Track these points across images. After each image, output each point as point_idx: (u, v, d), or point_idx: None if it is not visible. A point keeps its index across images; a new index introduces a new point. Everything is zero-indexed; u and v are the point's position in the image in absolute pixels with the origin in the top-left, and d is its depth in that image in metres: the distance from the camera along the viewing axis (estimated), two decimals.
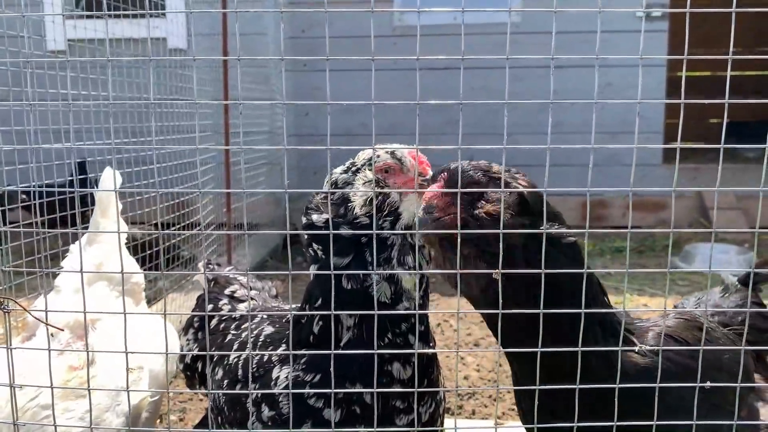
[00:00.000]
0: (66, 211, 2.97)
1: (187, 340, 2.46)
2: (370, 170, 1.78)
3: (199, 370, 2.37)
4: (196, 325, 2.45)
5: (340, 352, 1.65)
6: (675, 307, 2.31)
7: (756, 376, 1.95)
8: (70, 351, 1.96)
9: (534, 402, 1.49)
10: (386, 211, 1.73)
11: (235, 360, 1.95)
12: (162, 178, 3.93)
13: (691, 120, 12.07)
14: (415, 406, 1.74)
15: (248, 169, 5.83)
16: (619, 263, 6.64)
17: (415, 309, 1.71)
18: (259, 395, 1.76)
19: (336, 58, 1.21)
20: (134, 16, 4.04)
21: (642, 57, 1.27)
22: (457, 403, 3.47)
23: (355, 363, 1.68)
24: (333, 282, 1.58)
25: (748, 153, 9.04)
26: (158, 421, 2.79)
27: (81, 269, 1.32)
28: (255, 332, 1.99)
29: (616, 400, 1.48)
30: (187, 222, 4.41)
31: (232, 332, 2.18)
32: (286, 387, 1.73)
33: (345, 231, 1.71)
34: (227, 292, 2.45)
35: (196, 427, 2.38)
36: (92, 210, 2.64)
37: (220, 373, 2.00)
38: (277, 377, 1.78)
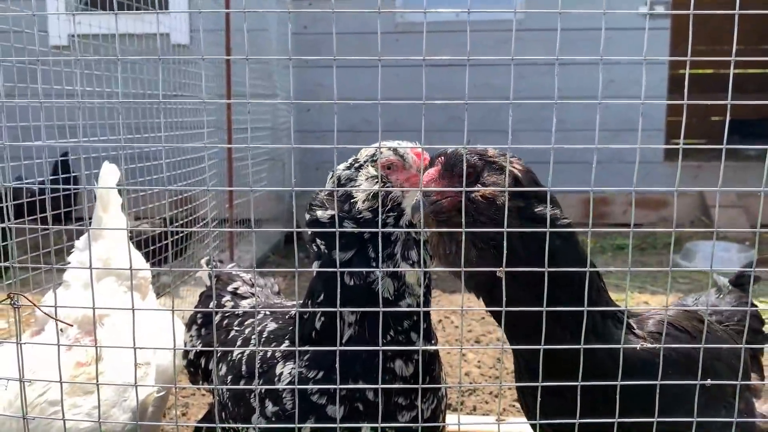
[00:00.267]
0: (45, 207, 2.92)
1: (190, 336, 2.48)
2: (372, 167, 1.80)
3: (203, 365, 2.39)
4: (199, 321, 2.46)
5: (344, 348, 1.66)
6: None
7: (752, 375, 1.99)
8: (78, 347, 1.98)
9: (538, 377, 1.51)
10: (389, 207, 1.75)
11: (239, 356, 1.97)
12: (165, 174, 3.94)
13: (693, 118, 12.06)
14: (419, 403, 1.75)
15: (251, 165, 5.84)
16: (620, 260, 6.65)
17: (417, 306, 1.72)
18: (263, 391, 1.78)
19: (343, 58, 1.23)
20: (138, 11, 4.06)
21: (645, 59, 1.28)
22: (458, 399, 3.49)
23: (357, 360, 1.70)
24: (339, 278, 1.59)
25: (750, 151, 9.04)
26: (162, 415, 2.81)
27: (90, 266, 1.33)
28: (258, 328, 2.01)
29: (618, 385, 1.50)
30: (190, 218, 4.43)
31: (236, 328, 2.19)
32: (290, 383, 1.75)
33: (349, 228, 1.72)
34: (230, 288, 2.46)
35: (200, 421, 2.39)
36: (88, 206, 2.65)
37: (224, 368, 2.01)
38: (281, 373, 1.79)
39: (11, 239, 1.45)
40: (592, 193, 1.62)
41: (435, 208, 1.59)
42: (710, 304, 2.17)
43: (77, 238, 2.58)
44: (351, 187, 1.79)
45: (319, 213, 1.80)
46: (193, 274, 4.32)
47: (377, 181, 1.75)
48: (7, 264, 1.46)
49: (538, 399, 1.56)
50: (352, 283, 1.72)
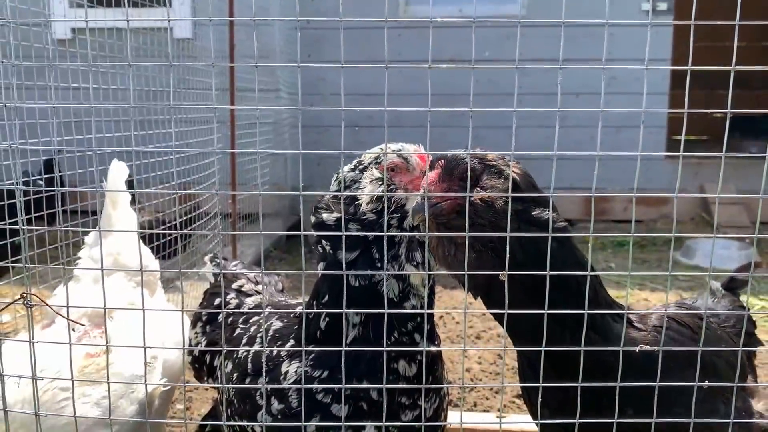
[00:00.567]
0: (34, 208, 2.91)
1: (195, 333, 2.51)
2: (376, 168, 1.83)
3: (207, 362, 2.42)
4: (204, 318, 2.49)
5: (349, 349, 1.69)
6: None
7: (748, 379, 2.02)
8: (88, 338, 2.03)
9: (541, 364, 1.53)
10: (392, 208, 1.78)
11: (245, 354, 2.00)
12: (172, 170, 3.97)
13: (694, 114, 12.02)
14: (422, 403, 1.78)
15: (253, 161, 5.86)
16: (621, 257, 6.68)
17: (420, 308, 1.75)
18: (269, 389, 1.81)
19: (351, 65, 1.25)
20: (142, 5, 4.07)
21: (647, 67, 1.30)
22: (459, 395, 3.52)
23: (362, 360, 1.73)
24: (345, 279, 1.62)
25: (751, 148, 9.05)
26: (168, 408, 2.85)
27: (102, 266, 1.36)
28: (264, 327, 2.04)
29: (619, 371, 1.53)
30: (195, 213, 4.46)
31: (240, 326, 2.22)
32: (296, 381, 1.78)
33: (355, 229, 1.75)
34: (234, 286, 2.49)
35: (205, 417, 2.43)
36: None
37: (229, 366, 2.04)
38: (287, 372, 1.82)
39: (23, 236, 1.48)
40: (593, 197, 1.65)
41: (435, 211, 1.62)
42: (708, 307, 2.21)
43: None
44: (355, 189, 1.82)
45: (325, 215, 1.82)
46: (198, 271, 4.36)
47: (381, 184, 1.78)
48: (19, 263, 1.49)
49: (539, 393, 1.59)
50: (357, 284, 1.75)
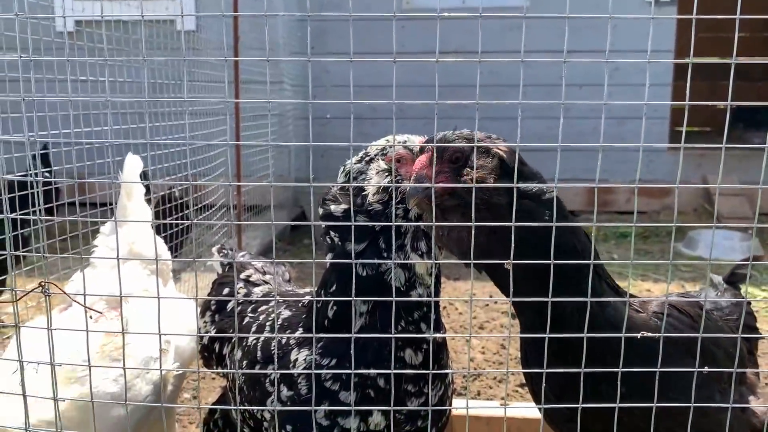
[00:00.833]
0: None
1: (204, 322, 2.55)
2: (383, 160, 1.86)
3: (216, 351, 2.46)
4: (213, 308, 2.53)
5: (358, 335, 1.73)
6: None
7: (750, 377, 2.05)
8: (106, 322, 2.12)
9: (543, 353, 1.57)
10: (398, 199, 1.81)
11: (254, 342, 2.04)
12: (178, 162, 4.01)
13: (697, 105, 12.02)
14: (428, 390, 1.83)
15: (258, 153, 5.90)
16: (623, 248, 6.72)
17: (427, 296, 1.79)
18: (278, 376, 1.85)
19: (360, 59, 1.28)
20: None
21: (649, 61, 1.33)
22: (463, 384, 3.57)
23: (369, 349, 1.77)
24: (354, 269, 1.67)
25: (754, 139, 9.06)
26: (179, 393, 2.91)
27: (117, 255, 1.40)
28: (273, 315, 2.08)
29: (621, 355, 1.56)
30: (202, 204, 4.50)
31: (249, 315, 2.26)
32: (305, 369, 1.82)
33: (362, 221, 1.79)
34: (242, 276, 2.53)
35: (215, 404, 2.48)
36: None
37: (239, 354, 2.09)
38: (296, 359, 1.86)
39: (42, 226, 1.53)
40: (596, 188, 1.68)
41: (428, 193, 1.66)
42: (711, 300, 2.23)
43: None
44: (362, 180, 1.86)
45: (333, 207, 1.86)
46: (206, 262, 4.40)
47: (387, 175, 1.82)
48: (37, 254, 1.53)
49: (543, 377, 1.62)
50: (364, 273, 1.78)
